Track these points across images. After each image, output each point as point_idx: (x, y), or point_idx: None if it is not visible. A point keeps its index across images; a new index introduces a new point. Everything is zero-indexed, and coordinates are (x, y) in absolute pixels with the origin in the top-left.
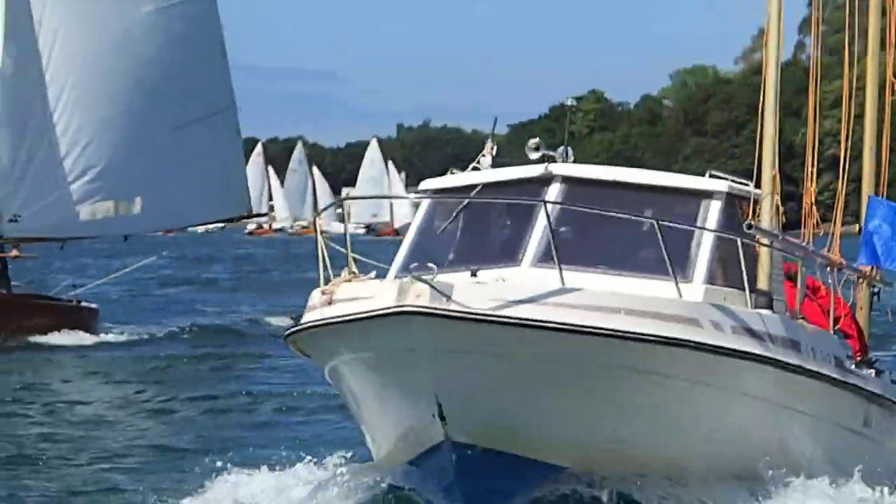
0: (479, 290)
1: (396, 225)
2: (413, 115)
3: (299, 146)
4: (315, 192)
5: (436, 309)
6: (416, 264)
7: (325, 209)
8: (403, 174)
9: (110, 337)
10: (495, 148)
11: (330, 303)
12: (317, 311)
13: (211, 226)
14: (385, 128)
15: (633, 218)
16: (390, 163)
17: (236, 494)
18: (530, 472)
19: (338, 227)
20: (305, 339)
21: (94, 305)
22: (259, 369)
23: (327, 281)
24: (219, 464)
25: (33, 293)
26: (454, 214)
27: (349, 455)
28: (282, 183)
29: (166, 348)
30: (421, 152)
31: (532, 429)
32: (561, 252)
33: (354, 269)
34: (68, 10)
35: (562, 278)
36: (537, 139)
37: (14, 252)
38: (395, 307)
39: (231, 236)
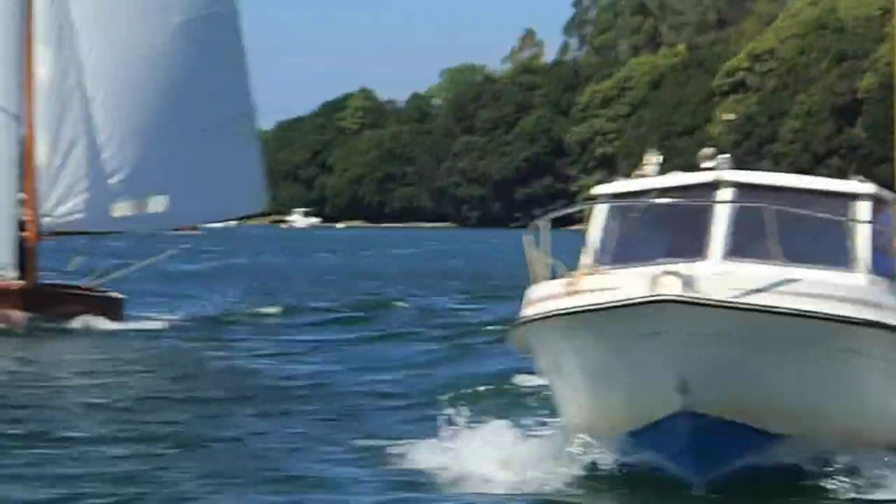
0: (719, 282)
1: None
2: None
3: None
4: None
5: (690, 298)
6: (606, 258)
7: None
8: None
9: (139, 324)
10: (661, 157)
11: (571, 294)
12: (553, 301)
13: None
14: None
15: (827, 218)
16: None
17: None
18: (754, 439)
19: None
20: (547, 326)
21: (119, 294)
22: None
23: (546, 277)
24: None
25: (60, 282)
26: (639, 215)
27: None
28: None
29: (201, 333)
30: None
31: (761, 400)
32: (746, 247)
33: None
34: (103, 23)
35: (782, 270)
36: (711, 149)
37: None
38: (653, 296)
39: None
